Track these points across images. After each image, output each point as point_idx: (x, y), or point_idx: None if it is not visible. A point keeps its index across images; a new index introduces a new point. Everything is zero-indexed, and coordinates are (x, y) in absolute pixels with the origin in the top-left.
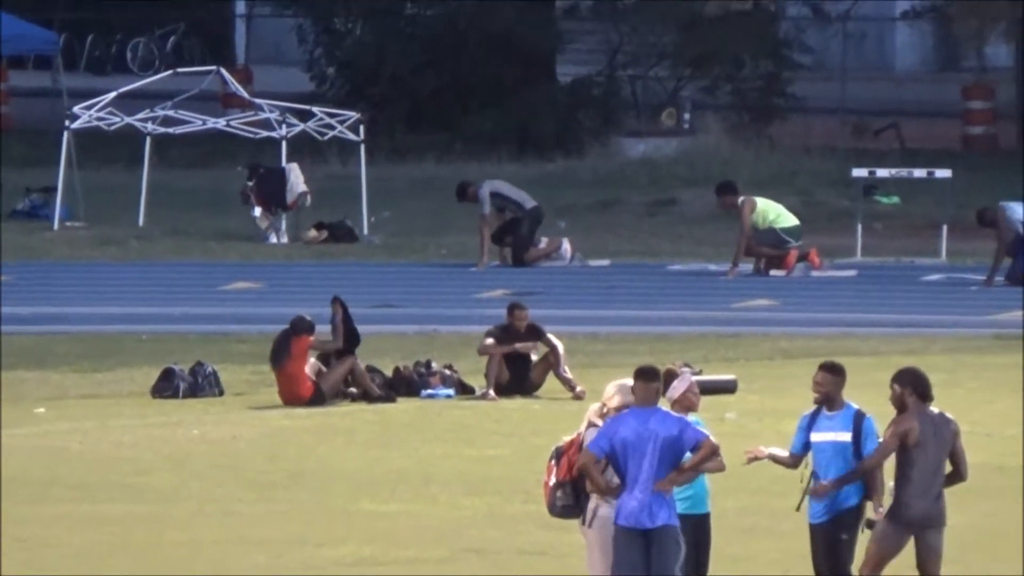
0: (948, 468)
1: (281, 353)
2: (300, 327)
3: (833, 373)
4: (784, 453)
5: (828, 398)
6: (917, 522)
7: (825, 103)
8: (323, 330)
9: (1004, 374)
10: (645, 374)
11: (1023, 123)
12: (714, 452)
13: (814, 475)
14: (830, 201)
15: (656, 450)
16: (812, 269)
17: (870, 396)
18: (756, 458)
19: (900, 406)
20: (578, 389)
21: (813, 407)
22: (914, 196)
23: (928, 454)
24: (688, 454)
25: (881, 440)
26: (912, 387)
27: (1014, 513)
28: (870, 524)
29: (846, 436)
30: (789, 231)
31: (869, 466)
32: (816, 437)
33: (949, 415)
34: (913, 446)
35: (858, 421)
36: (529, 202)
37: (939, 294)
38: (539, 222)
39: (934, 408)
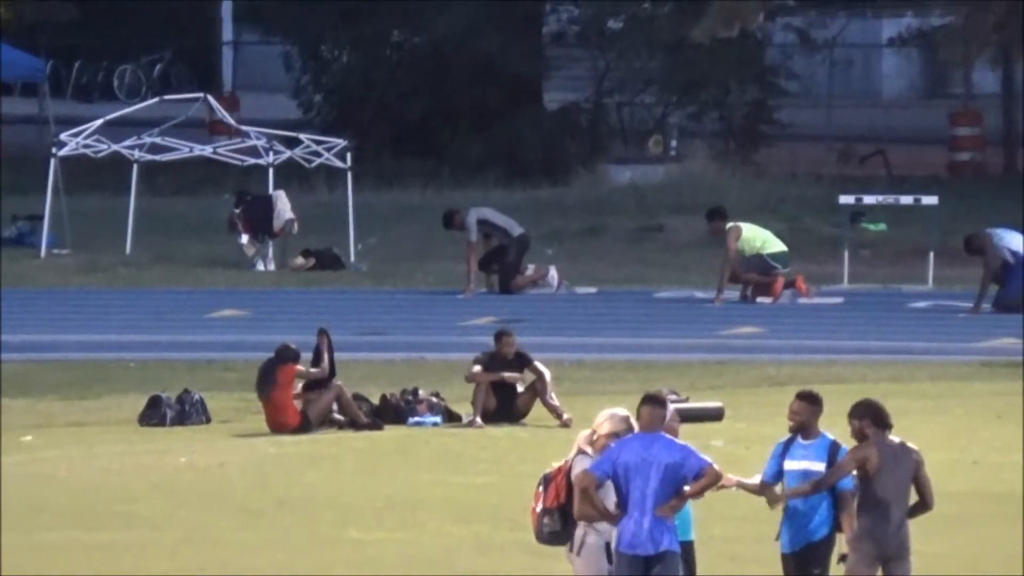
0: (914, 498)
1: (267, 382)
2: (286, 356)
3: (809, 402)
4: (753, 481)
5: (803, 427)
6: (881, 552)
7: (812, 130)
8: (308, 358)
9: (991, 401)
10: (652, 400)
11: (1010, 149)
12: (718, 479)
13: (786, 505)
14: (817, 228)
15: (658, 475)
16: (799, 296)
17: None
18: (723, 487)
19: (860, 439)
20: (565, 417)
21: (791, 436)
22: (901, 223)
23: (889, 483)
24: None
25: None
26: (870, 418)
27: (1002, 540)
28: (843, 558)
29: (820, 466)
30: (776, 257)
31: (823, 484)
32: (790, 465)
33: (911, 445)
34: (873, 474)
35: (833, 451)
36: (516, 229)
37: (926, 321)
38: (526, 249)
39: (895, 437)
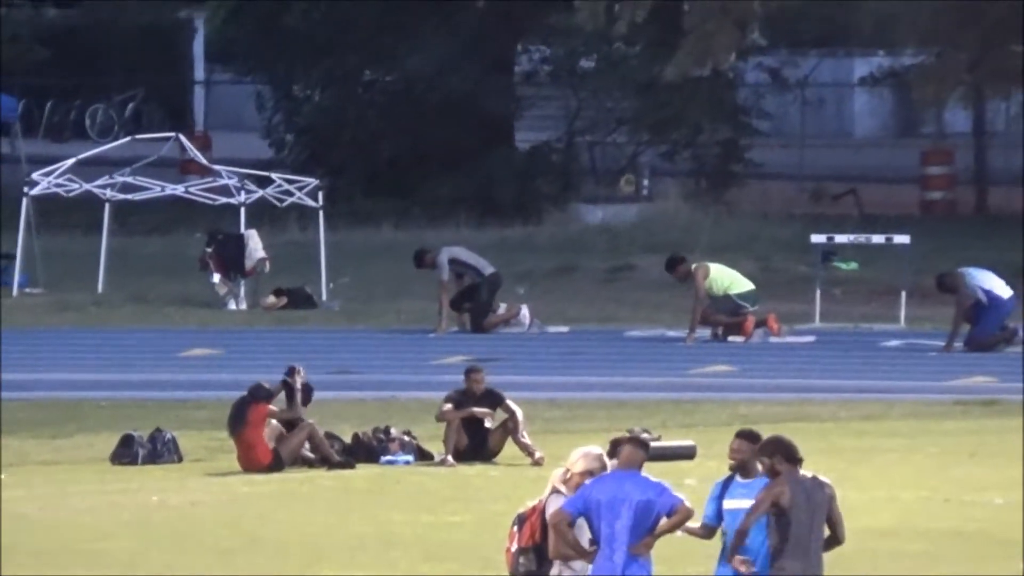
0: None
1: (238, 420)
2: (258, 395)
3: (750, 441)
4: (695, 525)
5: (743, 466)
6: None
7: (784, 169)
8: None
9: (963, 440)
10: (634, 442)
11: (982, 189)
12: (688, 516)
13: (725, 543)
14: (788, 267)
15: (631, 513)
16: (771, 335)
17: (831, 462)
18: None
19: (772, 475)
20: (537, 455)
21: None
22: (873, 262)
23: (801, 517)
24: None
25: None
26: (781, 454)
27: None
28: None
29: None
30: (744, 296)
31: (742, 527)
32: (731, 505)
33: (824, 478)
34: (787, 510)
35: None
36: (488, 268)
37: (898, 360)
38: (498, 288)
39: (807, 472)
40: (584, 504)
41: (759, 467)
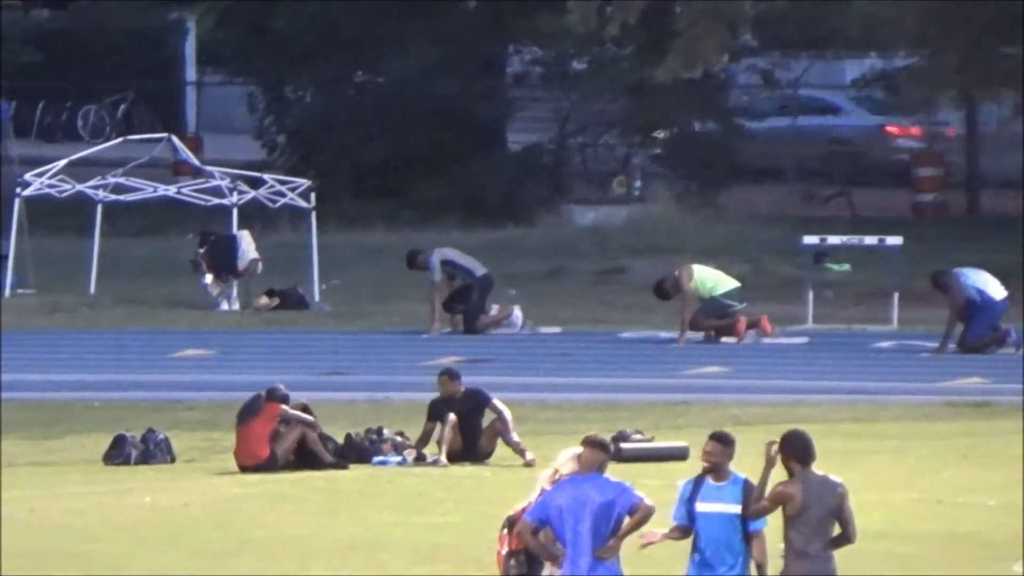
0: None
1: (250, 412)
2: (275, 395)
3: (723, 443)
4: (664, 530)
5: (716, 468)
6: None
7: (774, 171)
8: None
9: (955, 441)
10: (591, 443)
11: (973, 191)
12: (649, 515)
13: (696, 546)
14: (779, 269)
15: (592, 516)
16: (763, 336)
17: (822, 463)
18: (651, 543)
19: (789, 472)
20: (528, 456)
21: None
22: (864, 264)
23: (810, 517)
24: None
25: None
26: (794, 455)
27: None
28: None
29: (735, 508)
30: (730, 295)
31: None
32: (703, 507)
33: (836, 478)
34: (799, 510)
35: (747, 491)
36: (479, 269)
37: (890, 361)
38: (489, 289)
39: (818, 471)
40: (545, 511)
41: (731, 469)
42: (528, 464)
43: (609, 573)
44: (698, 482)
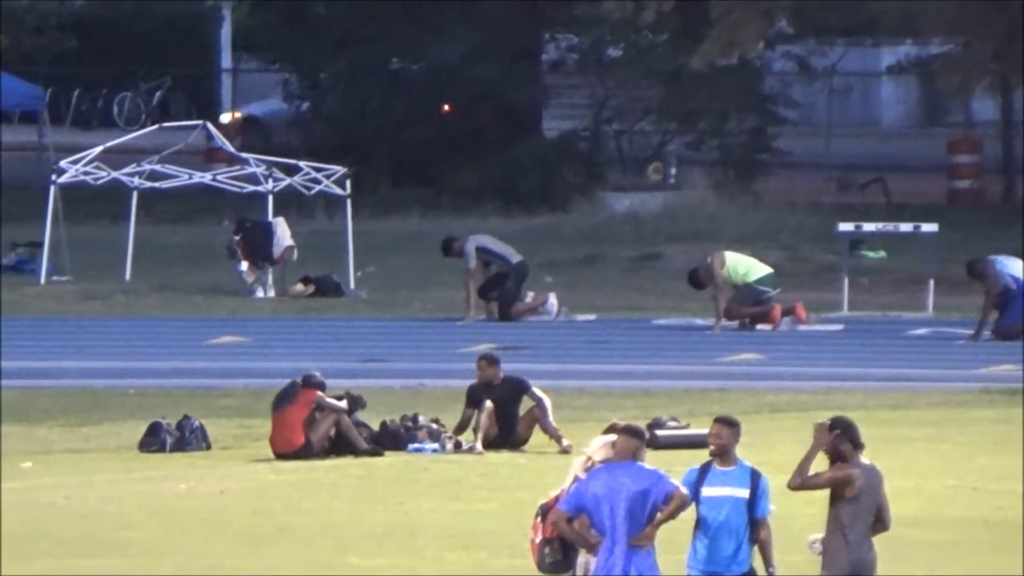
0: None
1: (286, 398)
2: (310, 382)
3: (731, 426)
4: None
5: (724, 451)
6: (852, 572)
7: (810, 158)
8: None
9: (990, 428)
10: (626, 431)
11: (1009, 177)
12: (685, 503)
13: (701, 530)
14: (815, 256)
15: (626, 504)
16: (798, 323)
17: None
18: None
19: (837, 455)
20: (565, 443)
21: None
22: (900, 251)
23: (861, 503)
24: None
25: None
26: (849, 438)
27: (1002, 568)
28: None
29: (744, 492)
30: (763, 281)
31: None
32: (710, 492)
33: (874, 464)
34: (851, 497)
35: (755, 479)
36: (514, 257)
37: (925, 348)
38: (525, 276)
39: (864, 459)
40: (580, 499)
41: (737, 455)
42: (564, 451)
43: (644, 562)
44: (704, 467)
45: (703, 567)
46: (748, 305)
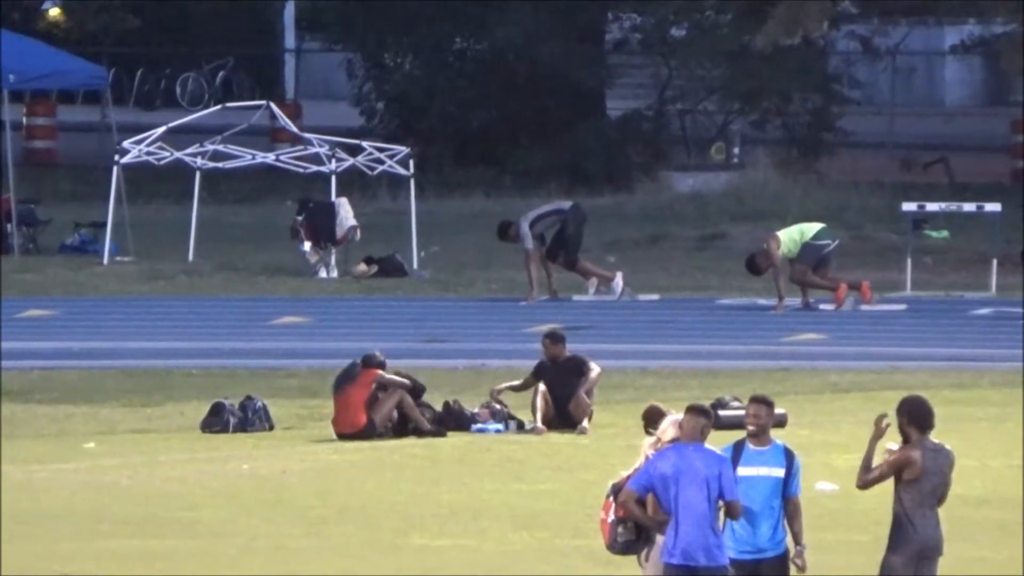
0: None
1: (347, 379)
2: (371, 362)
3: (768, 406)
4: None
5: (763, 430)
6: (920, 551)
7: (874, 137)
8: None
9: None
10: (694, 411)
11: None
12: (738, 516)
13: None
14: (879, 236)
15: (694, 484)
16: (862, 303)
17: None
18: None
19: (904, 436)
20: (584, 424)
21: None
22: (963, 230)
23: (924, 484)
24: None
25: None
26: (913, 421)
27: None
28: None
29: (780, 471)
30: (819, 235)
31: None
32: (746, 471)
33: (947, 446)
34: (910, 479)
35: (790, 459)
36: (566, 204)
37: (989, 328)
38: (584, 219)
39: (934, 439)
40: (648, 479)
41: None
42: (580, 432)
43: (722, 546)
44: (739, 446)
45: (742, 548)
46: (811, 264)
